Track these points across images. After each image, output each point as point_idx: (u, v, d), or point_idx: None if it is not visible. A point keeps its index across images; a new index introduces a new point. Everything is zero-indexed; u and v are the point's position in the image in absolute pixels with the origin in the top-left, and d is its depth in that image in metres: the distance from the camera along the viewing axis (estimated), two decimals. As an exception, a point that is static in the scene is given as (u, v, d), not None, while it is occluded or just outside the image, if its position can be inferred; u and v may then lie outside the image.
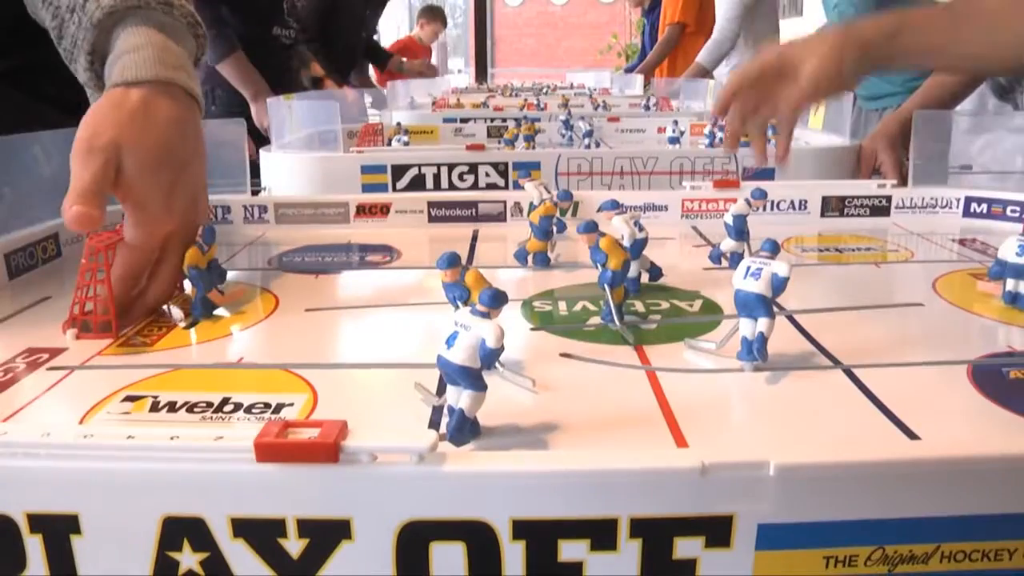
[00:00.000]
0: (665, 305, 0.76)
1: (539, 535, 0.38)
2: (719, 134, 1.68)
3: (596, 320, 0.72)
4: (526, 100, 2.69)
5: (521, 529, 0.37)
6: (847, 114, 1.55)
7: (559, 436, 0.50)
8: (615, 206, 0.78)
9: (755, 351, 0.59)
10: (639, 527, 0.37)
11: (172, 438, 0.39)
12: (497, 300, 0.47)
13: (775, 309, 0.60)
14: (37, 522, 0.39)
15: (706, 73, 3.54)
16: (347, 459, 0.37)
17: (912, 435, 0.49)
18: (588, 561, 0.38)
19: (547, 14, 9.60)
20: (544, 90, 3.43)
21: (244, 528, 0.38)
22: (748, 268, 0.60)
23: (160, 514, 0.39)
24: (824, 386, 0.58)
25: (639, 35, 6.64)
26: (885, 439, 0.49)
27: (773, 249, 0.61)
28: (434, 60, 6.38)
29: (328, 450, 0.37)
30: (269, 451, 0.37)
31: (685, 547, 0.38)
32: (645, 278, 0.82)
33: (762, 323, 0.59)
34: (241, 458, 0.37)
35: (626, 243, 0.76)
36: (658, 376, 0.59)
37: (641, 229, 0.79)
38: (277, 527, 0.38)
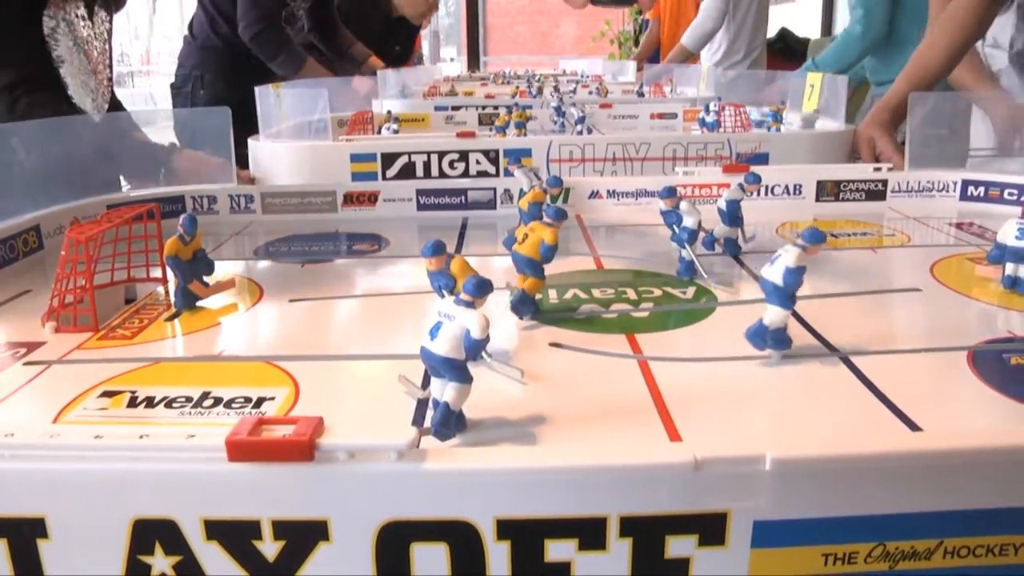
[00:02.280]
0: (657, 292, 0.75)
1: (525, 535, 0.36)
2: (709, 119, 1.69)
3: (587, 308, 0.71)
4: (518, 88, 2.66)
5: (506, 529, 0.36)
6: (842, 99, 1.54)
7: (548, 429, 0.49)
8: (671, 193, 0.78)
9: (747, 336, 0.58)
10: (629, 525, 0.36)
11: (141, 437, 0.37)
12: (482, 289, 0.45)
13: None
14: (2, 526, 0.38)
15: (690, 55, 3.52)
16: (323, 457, 0.35)
17: (913, 426, 0.48)
18: (576, 561, 0.37)
19: (540, 1, 9.55)
20: (537, 78, 3.41)
21: (217, 530, 0.37)
22: (773, 256, 0.58)
23: (130, 516, 0.37)
24: (822, 375, 0.57)
25: (632, 22, 6.62)
26: (885, 430, 0.47)
27: (808, 239, 0.57)
28: (426, 49, 6.34)
29: (303, 448, 0.35)
30: (241, 450, 0.35)
31: (678, 546, 0.36)
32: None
33: (771, 312, 0.58)
34: (212, 457, 0.36)
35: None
36: (650, 365, 0.58)
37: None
38: (251, 529, 0.37)
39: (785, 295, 0.57)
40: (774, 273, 0.57)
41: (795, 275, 0.56)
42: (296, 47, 2.44)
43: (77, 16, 1.38)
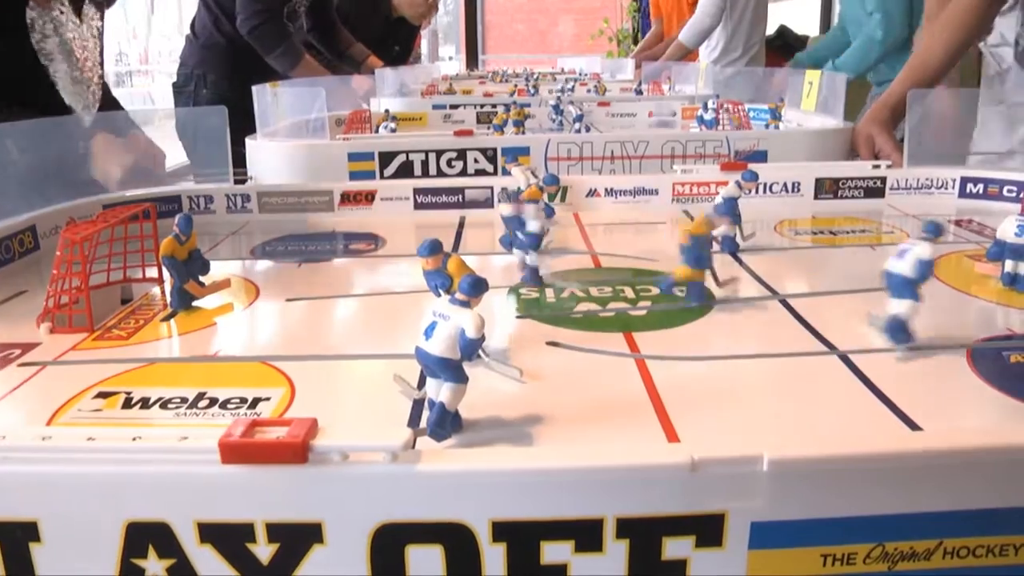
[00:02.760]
0: (655, 291, 0.74)
1: (520, 537, 0.36)
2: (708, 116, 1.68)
3: (584, 307, 0.70)
4: (516, 86, 2.66)
5: (501, 530, 0.36)
6: (840, 96, 1.54)
7: (545, 429, 0.48)
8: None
9: (887, 333, 0.59)
10: (626, 527, 0.36)
11: (134, 439, 0.37)
12: (477, 288, 0.45)
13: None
14: (-7, 530, 0.37)
15: (688, 52, 3.52)
16: (316, 459, 0.35)
17: (913, 425, 0.48)
18: (572, 563, 0.36)
19: (538, -1, 9.54)
20: (536, 76, 3.40)
21: (211, 533, 0.37)
22: (900, 249, 0.59)
23: (123, 519, 0.37)
24: (820, 373, 0.56)
25: (630, 20, 6.61)
26: (884, 430, 0.47)
27: (933, 232, 0.59)
28: (425, 47, 6.33)
29: (296, 450, 0.35)
30: (234, 452, 0.35)
31: (675, 547, 0.36)
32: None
33: (902, 304, 0.58)
34: (206, 459, 0.35)
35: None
36: (648, 364, 0.57)
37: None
38: (245, 531, 0.36)
39: (915, 287, 0.58)
40: (904, 266, 0.58)
41: (928, 267, 0.58)
42: (294, 42, 2.44)
43: (63, 14, 1.37)
